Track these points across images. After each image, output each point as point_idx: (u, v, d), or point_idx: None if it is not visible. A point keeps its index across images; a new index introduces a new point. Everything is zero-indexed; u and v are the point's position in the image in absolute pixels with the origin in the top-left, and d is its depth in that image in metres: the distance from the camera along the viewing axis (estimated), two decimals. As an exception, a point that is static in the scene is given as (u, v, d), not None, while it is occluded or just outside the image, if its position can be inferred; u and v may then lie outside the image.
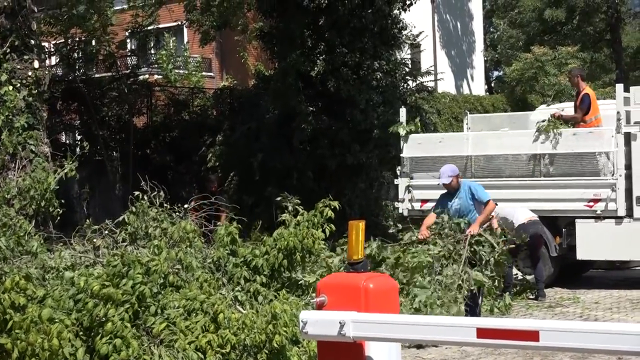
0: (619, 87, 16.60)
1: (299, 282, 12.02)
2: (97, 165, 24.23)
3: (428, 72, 27.58)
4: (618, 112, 16.07)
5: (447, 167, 14.16)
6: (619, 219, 16.11)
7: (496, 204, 14.63)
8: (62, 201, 14.02)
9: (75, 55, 25.44)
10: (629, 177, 16.09)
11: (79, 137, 26.45)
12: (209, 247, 12.26)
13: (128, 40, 28.17)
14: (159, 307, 9.84)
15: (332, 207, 12.37)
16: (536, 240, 15.68)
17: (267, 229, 13.34)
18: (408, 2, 22.93)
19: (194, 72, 35.98)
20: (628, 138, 16.15)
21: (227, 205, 15.23)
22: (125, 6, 26.27)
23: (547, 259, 16.56)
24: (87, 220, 12.72)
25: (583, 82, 17.33)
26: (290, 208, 12.67)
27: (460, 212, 13.73)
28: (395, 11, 22.85)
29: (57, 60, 26.37)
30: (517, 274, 16.77)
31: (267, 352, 9.67)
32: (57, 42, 25.92)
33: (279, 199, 13.00)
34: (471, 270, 12.78)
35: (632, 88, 16.85)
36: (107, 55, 25.55)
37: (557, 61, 38.36)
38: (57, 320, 9.10)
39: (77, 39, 25.16)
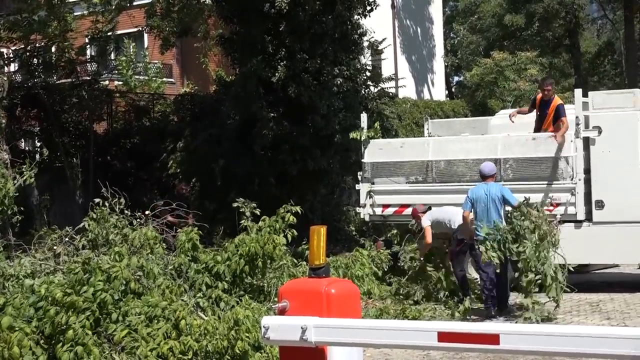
0: (578, 92, 16.72)
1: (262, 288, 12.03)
2: (57, 172, 24.06)
3: (390, 78, 27.66)
4: (577, 117, 16.20)
5: (489, 164, 15.28)
6: (578, 223, 16.24)
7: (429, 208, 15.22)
8: (22, 208, 13.91)
9: (35, 61, 25.24)
10: (588, 182, 16.23)
11: (38, 144, 26.26)
12: (171, 253, 12.24)
13: (88, 47, 27.97)
14: (121, 314, 9.82)
15: (294, 213, 12.40)
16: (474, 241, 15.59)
17: (229, 235, 13.33)
18: (368, 8, 22.98)
19: (154, 78, 35.83)
20: (587, 143, 16.29)
21: (188, 211, 15.17)
22: (85, 12, 26.08)
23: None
24: (46, 228, 12.65)
25: (551, 91, 17.44)
26: (248, 213, 12.68)
27: None
28: (356, 17, 22.90)
29: (17, 67, 26.18)
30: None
31: (229, 358, 9.67)
32: (17, 48, 25.71)
33: (235, 204, 13.01)
34: None
35: (590, 93, 16.99)
36: (66, 62, 25.39)
37: (516, 66, 38.61)
38: (17, 328, 9.05)
39: (37, 45, 24.97)
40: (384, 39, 27.56)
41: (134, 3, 24.79)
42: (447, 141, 17.90)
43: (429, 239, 15.62)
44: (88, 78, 25.83)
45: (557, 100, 17.03)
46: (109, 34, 26.98)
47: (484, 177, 14.93)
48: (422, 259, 15.98)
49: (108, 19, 25.24)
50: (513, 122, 17.20)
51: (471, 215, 14.87)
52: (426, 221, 15.71)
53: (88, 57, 27.46)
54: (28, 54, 24.96)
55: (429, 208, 16.21)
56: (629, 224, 15.96)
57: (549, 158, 16.42)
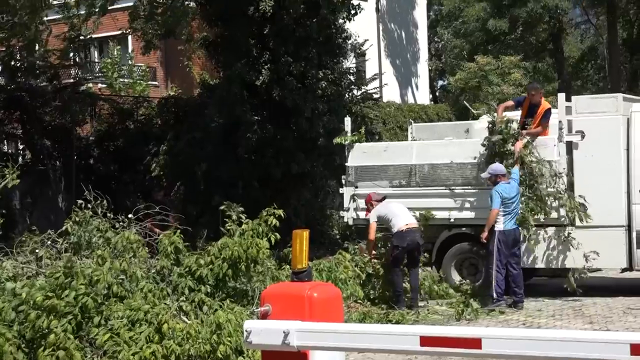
0: (561, 96, 16.77)
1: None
2: (39, 175, 23.97)
3: (373, 78, 27.69)
4: (560, 122, 16.24)
5: (496, 165, 15.93)
6: (561, 227, 16.28)
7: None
8: (4, 211, 13.85)
9: (18, 64, 25.15)
10: (571, 186, 16.27)
11: (21, 147, 26.16)
12: (154, 257, 12.21)
13: (71, 50, 27.85)
14: (103, 318, 9.79)
15: (278, 216, 12.39)
16: (412, 248, 15.60)
17: (212, 238, 13.30)
18: (353, 12, 23.00)
19: (138, 81, 35.77)
20: (570, 147, 16.33)
21: (171, 214, 15.16)
22: (60, 15, 25.92)
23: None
24: (28, 231, 12.60)
25: (542, 97, 17.49)
26: (234, 217, 12.66)
27: None
28: (340, 21, 22.92)
29: (-1, 70, 26.09)
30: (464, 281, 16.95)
31: (211, 362, 9.65)
32: (-1, 50, 25.63)
33: (222, 207, 12.99)
34: None
35: (573, 97, 17.05)
36: (48, 67, 25.31)
37: (500, 70, 38.70)
38: (-2, 332, 9.00)
39: (18, 47, 24.88)
40: (365, 40, 27.55)
41: (117, 5, 24.71)
42: (431, 145, 17.92)
43: (372, 235, 15.73)
44: (70, 82, 25.71)
45: (545, 105, 17.06)
46: (89, 36, 26.89)
47: (501, 177, 15.58)
48: (370, 257, 15.99)
49: (81, 21, 25.08)
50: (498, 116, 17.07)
51: (402, 224, 15.32)
52: (373, 216, 15.78)
53: (70, 60, 27.33)
54: (8, 57, 24.86)
55: (384, 198, 16.25)
56: (611, 228, 16.00)
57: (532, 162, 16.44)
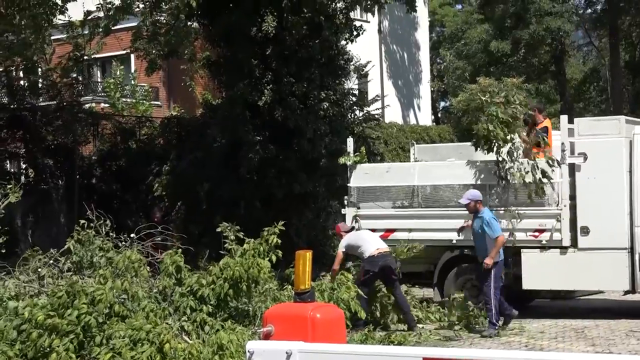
0: (564, 118, 16.80)
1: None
2: (42, 194, 23.99)
3: (374, 100, 27.71)
4: (562, 144, 16.25)
5: (471, 191, 15.89)
6: (563, 249, 16.26)
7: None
8: (6, 229, 13.85)
9: (21, 83, 25.22)
10: (573, 208, 16.26)
11: (24, 166, 26.19)
12: (155, 276, 12.20)
13: (74, 70, 27.91)
14: (105, 337, 9.78)
15: (280, 236, 12.39)
16: (387, 272, 15.52)
17: (214, 258, 13.30)
18: (355, 33, 23.06)
19: (141, 101, 35.82)
20: (572, 169, 16.33)
21: (173, 234, 15.15)
22: (64, 35, 26.01)
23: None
24: (31, 250, 12.61)
25: (540, 115, 17.54)
26: (232, 237, 12.66)
27: (473, 235, 15.63)
28: (343, 42, 22.98)
29: (0, 88, 26.14)
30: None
31: (213, 382, 9.62)
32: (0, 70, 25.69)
33: (219, 229, 12.99)
34: None
35: (576, 120, 17.06)
36: (50, 85, 25.36)
37: (502, 93, 38.69)
38: (0, 351, 8.99)
39: (21, 67, 24.95)
40: (368, 62, 27.58)
41: (121, 25, 24.77)
42: (433, 166, 17.92)
43: (336, 265, 15.73)
44: (72, 101, 25.74)
45: (542, 123, 17.15)
46: (93, 56, 26.95)
47: (480, 203, 15.52)
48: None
49: (86, 41, 25.18)
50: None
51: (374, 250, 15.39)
52: (341, 247, 15.77)
53: (72, 79, 27.38)
54: (11, 76, 24.93)
55: (352, 229, 16.26)
56: (614, 250, 15.98)
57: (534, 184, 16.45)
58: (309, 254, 6.36)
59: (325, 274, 15.84)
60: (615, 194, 16.05)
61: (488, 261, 15.00)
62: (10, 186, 13.85)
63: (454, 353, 5.58)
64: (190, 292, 11.59)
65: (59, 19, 23.09)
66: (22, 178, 24.07)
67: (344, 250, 15.73)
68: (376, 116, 27.18)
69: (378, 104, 28.75)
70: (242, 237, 12.72)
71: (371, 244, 15.61)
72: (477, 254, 15.49)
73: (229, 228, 12.96)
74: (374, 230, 17.56)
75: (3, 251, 14.39)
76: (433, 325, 15.83)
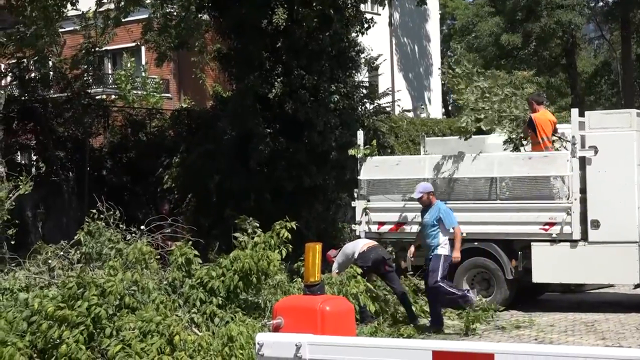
0: (574, 111, 16.77)
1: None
2: (52, 186, 24.01)
3: (385, 93, 27.67)
4: (573, 137, 16.23)
5: (422, 184, 15.70)
6: (574, 242, 16.24)
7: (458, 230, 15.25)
8: (17, 222, 13.89)
9: (32, 75, 25.24)
10: (583, 201, 16.23)
11: (34, 158, 26.23)
12: (165, 268, 12.22)
13: (84, 61, 27.94)
14: (114, 329, 9.79)
15: (290, 229, 12.40)
16: (380, 264, 15.45)
17: (224, 250, 13.31)
18: (366, 26, 23.02)
19: (152, 93, 35.85)
20: (583, 162, 16.30)
21: (183, 226, 15.16)
22: (78, 27, 26.05)
23: (502, 282, 16.69)
24: (41, 241, 12.64)
25: (538, 106, 17.52)
26: (249, 230, 12.68)
27: (425, 228, 15.27)
28: (353, 34, 22.94)
29: (11, 80, 26.16)
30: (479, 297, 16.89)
31: (222, 374, 9.63)
32: (10, 62, 25.72)
33: (237, 221, 13.01)
34: None
35: (587, 113, 17.02)
36: (60, 77, 25.38)
37: (513, 85, 38.63)
38: (9, 343, 9.02)
39: (32, 59, 24.97)
40: (379, 55, 27.53)
41: (132, 18, 24.78)
42: (444, 159, 17.90)
43: None
44: (82, 92, 25.76)
45: (536, 115, 17.24)
46: (104, 48, 26.98)
47: (432, 194, 15.44)
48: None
49: (99, 33, 25.22)
50: None
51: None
52: (334, 269, 15.61)
53: (82, 70, 27.42)
54: (22, 67, 24.97)
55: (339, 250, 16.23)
56: (624, 244, 15.95)
57: (545, 177, 16.45)
58: (318, 247, 6.36)
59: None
60: (625, 187, 16.02)
61: (457, 255, 15.03)
62: (22, 178, 13.89)
63: (464, 346, 5.57)
64: (200, 284, 11.60)
65: (71, 10, 23.10)
66: (33, 170, 24.11)
67: (337, 271, 15.53)
68: (387, 110, 27.15)
69: (389, 98, 28.72)
70: (255, 230, 12.73)
71: (357, 244, 15.73)
72: (427, 246, 15.21)
73: (248, 222, 12.99)
74: (383, 224, 17.61)
75: (12, 242, 14.46)
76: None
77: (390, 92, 29.35)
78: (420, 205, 15.74)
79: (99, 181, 25.16)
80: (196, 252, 12.11)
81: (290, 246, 12.44)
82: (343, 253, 15.77)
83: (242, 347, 9.67)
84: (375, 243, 15.78)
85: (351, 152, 18.36)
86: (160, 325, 9.90)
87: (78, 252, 12.31)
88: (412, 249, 16.12)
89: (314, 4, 20.70)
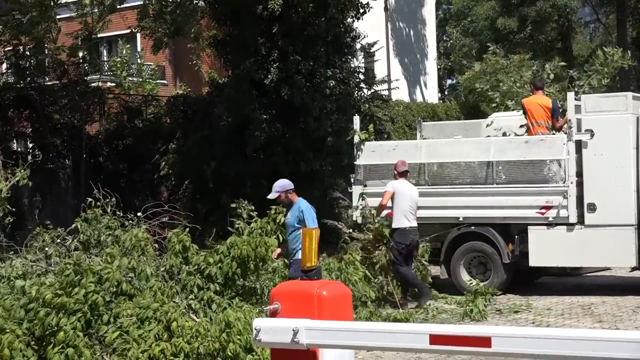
0: (570, 95, 16.76)
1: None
2: (49, 174, 24.02)
3: (383, 80, 27.64)
4: (569, 120, 16.22)
5: (279, 182, 13.76)
6: (570, 225, 16.25)
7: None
8: (13, 209, 13.88)
9: (27, 63, 25.19)
10: (580, 185, 16.23)
11: (30, 145, 26.21)
12: (162, 255, 12.21)
13: (81, 48, 27.90)
14: (112, 316, 9.79)
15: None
16: (412, 249, 15.83)
17: (221, 236, 13.30)
18: (361, 11, 23.00)
19: (147, 80, 35.81)
20: (579, 146, 16.29)
21: (180, 213, 15.15)
22: (74, 14, 26.02)
23: (499, 266, 16.70)
24: (38, 229, 12.62)
25: (536, 91, 17.54)
26: (245, 215, 12.67)
27: (286, 228, 13.24)
28: (349, 19, 22.92)
29: (6, 68, 26.12)
30: (471, 280, 16.91)
31: (220, 360, 9.64)
32: (6, 49, 25.67)
33: (233, 205, 13.00)
34: None
35: (583, 96, 17.02)
36: (57, 63, 25.34)
37: (508, 69, 38.58)
38: (7, 330, 9.02)
39: (28, 46, 24.92)
40: (376, 42, 27.50)
41: (127, 4, 24.75)
42: (440, 144, 17.89)
43: (384, 201, 16.11)
44: (77, 79, 25.72)
45: (532, 100, 17.29)
46: (100, 35, 26.93)
47: (292, 191, 13.69)
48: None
49: (96, 20, 25.18)
50: None
51: None
52: (389, 186, 15.98)
53: (79, 58, 27.39)
54: (17, 55, 24.92)
55: (406, 172, 16.31)
56: (620, 227, 15.96)
57: (541, 161, 16.45)
58: (315, 232, 6.35)
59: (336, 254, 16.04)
60: (622, 170, 16.02)
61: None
62: (19, 169, 13.86)
63: (461, 330, 5.58)
64: (198, 271, 11.60)
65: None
66: (29, 157, 24.09)
67: (392, 191, 15.84)
68: (383, 96, 27.13)
69: (385, 84, 28.69)
70: (251, 215, 12.72)
71: (404, 217, 15.73)
72: (289, 250, 13.44)
73: (243, 205, 12.98)
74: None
75: (7, 231, 14.44)
76: (439, 303, 15.90)
77: (387, 79, 29.30)
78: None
79: (96, 168, 25.17)
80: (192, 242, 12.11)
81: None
82: (405, 188, 15.91)
83: (239, 333, 9.67)
84: (415, 225, 15.89)
85: (353, 136, 18.18)
86: (157, 312, 9.91)
87: (75, 239, 12.31)
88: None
89: (309, -11, 20.70)
